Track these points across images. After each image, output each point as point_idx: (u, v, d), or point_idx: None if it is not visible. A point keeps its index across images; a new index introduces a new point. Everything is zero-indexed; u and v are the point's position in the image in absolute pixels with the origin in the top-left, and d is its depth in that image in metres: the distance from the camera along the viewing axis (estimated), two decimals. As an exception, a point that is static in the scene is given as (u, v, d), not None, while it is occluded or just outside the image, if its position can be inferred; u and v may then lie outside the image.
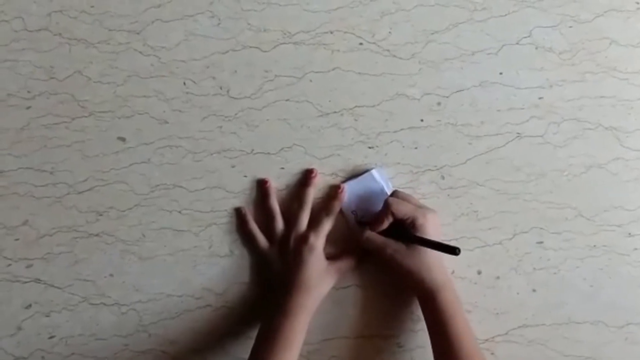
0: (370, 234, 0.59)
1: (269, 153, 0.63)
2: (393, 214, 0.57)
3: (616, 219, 0.63)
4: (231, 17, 0.63)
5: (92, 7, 0.63)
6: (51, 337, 0.62)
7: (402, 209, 0.57)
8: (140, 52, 0.63)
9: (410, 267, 0.57)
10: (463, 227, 0.63)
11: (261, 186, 0.63)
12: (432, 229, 0.57)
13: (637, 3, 0.64)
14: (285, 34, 0.63)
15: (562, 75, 0.64)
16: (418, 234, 0.57)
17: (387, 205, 0.58)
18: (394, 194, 0.60)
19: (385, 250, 0.58)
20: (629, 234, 0.63)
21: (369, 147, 0.63)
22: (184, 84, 0.63)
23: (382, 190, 0.62)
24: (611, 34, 0.64)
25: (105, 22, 0.63)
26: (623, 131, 0.64)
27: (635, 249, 0.63)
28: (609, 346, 0.63)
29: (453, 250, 0.53)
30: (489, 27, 0.64)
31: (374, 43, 0.63)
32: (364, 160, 0.63)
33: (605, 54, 0.64)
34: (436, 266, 0.57)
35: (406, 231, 0.58)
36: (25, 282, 0.62)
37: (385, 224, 0.58)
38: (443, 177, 0.63)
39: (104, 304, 0.62)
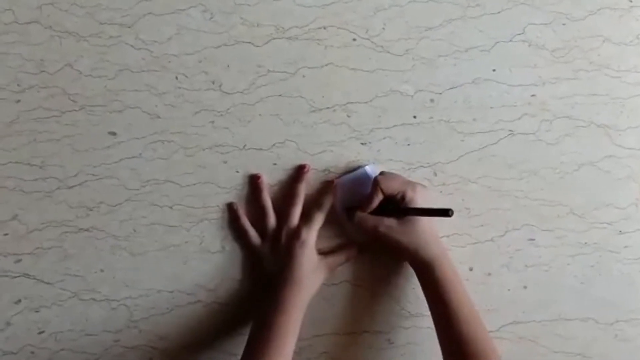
0: (361, 215, 0.59)
1: (261, 148, 0.63)
2: (382, 191, 0.58)
3: (607, 217, 0.64)
4: (224, 12, 0.62)
5: (83, -1, 0.62)
6: (40, 333, 0.62)
7: (391, 185, 0.58)
8: (132, 46, 0.62)
9: (404, 241, 0.57)
10: (455, 224, 0.63)
11: (253, 182, 0.62)
12: (422, 201, 0.57)
13: (630, 1, 0.64)
14: (278, 29, 0.63)
15: (555, 73, 0.64)
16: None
17: (376, 183, 0.58)
18: (381, 174, 0.60)
19: (378, 228, 0.58)
20: (620, 231, 0.64)
21: (362, 143, 0.63)
22: (176, 78, 0.62)
23: (375, 187, 0.62)
24: (604, 31, 0.64)
25: (97, 15, 0.62)
26: (615, 129, 0.64)
27: (626, 246, 0.64)
28: (598, 343, 0.63)
29: (446, 212, 0.52)
30: (482, 24, 0.64)
31: (367, 39, 0.63)
32: (357, 157, 0.63)
33: (598, 51, 0.64)
34: (430, 238, 0.58)
35: (396, 206, 0.58)
36: (15, 277, 0.62)
37: (376, 203, 0.58)
38: (435, 174, 0.63)
39: (94, 300, 0.62)
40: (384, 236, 0.58)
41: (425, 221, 0.57)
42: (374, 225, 0.58)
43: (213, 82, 0.62)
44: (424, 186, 0.60)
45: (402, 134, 0.63)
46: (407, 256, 0.58)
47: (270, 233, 0.61)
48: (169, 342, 0.62)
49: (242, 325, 0.62)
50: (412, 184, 0.58)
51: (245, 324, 0.62)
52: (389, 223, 0.57)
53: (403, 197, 0.57)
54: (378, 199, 0.58)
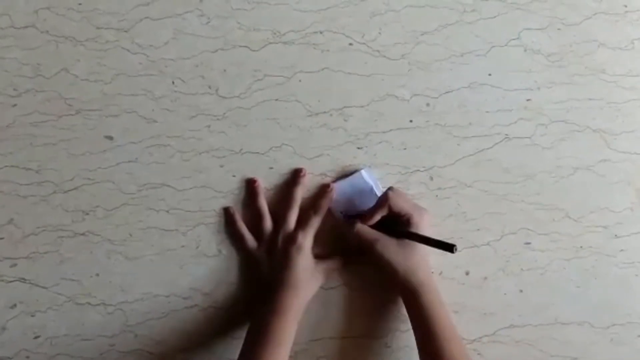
0: (361, 227, 0.59)
1: (257, 153, 0.63)
2: (390, 208, 0.57)
3: (603, 221, 0.64)
4: (221, 16, 0.63)
5: (79, 4, 0.62)
6: (36, 337, 0.62)
7: (401, 204, 0.57)
8: (129, 50, 0.62)
9: (396, 263, 0.57)
10: (451, 228, 0.63)
11: (250, 186, 0.62)
12: (426, 229, 0.57)
13: (625, 6, 0.65)
14: (275, 33, 0.63)
15: (551, 78, 0.64)
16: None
17: (385, 197, 0.57)
18: (390, 189, 0.59)
19: (375, 245, 0.57)
20: (615, 235, 0.64)
21: (358, 148, 0.63)
22: (173, 82, 0.62)
23: (372, 191, 0.62)
24: (599, 36, 0.64)
25: (93, 20, 0.62)
26: (610, 133, 0.64)
27: (622, 250, 0.64)
28: (594, 347, 0.64)
29: (450, 248, 0.52)
30: (478, 29, 0.64)
31: (363, 43, 0.63)
32: (353, 161, 0.63)
33: (593, 56, 0.64)
34: (422, 265, 0.58)
35: (398, 227, 0.58)
36: (10, 282, 0.61)
37: (378, 216, 0.58)
38: (432, 178, 0.63)
39: (90, 304, 0.62)
40: (379, 254, 0.57)
41: (421, 247, 0.57)
42: (372, 240, 0.58)
43: (209, 87, 0.63)
44: (428, 212, 0.59)
45: (398, 138, 0.63)
46: (397, 279, 0.57)
47: (266, 237, 0.61)
48: (165, 346, 0.62)
49: (238, 329, 0.62)
50: (420, 209, 0.58)
51: (241, 328, 0.62)
52: (387, 242, 0.57)
53: (408, 220, 0.57)
54: (382, 213, 0.58)
